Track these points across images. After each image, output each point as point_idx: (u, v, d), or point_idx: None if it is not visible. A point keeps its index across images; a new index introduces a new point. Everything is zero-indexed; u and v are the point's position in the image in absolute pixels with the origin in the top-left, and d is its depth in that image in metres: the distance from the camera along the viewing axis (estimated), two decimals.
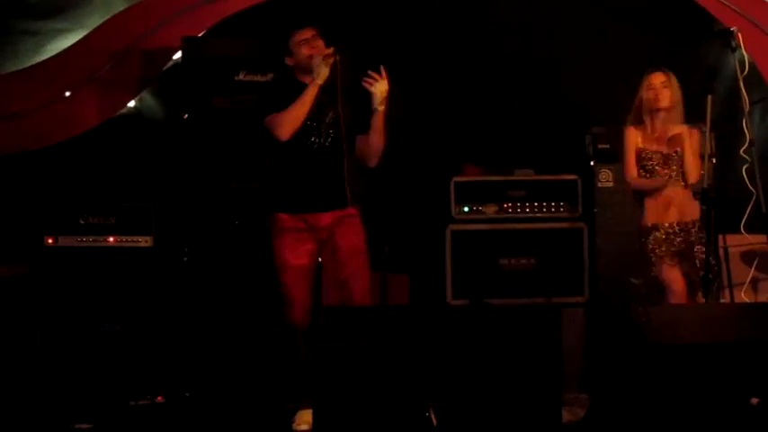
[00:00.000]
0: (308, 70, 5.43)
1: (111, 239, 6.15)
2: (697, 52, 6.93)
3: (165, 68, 6.77)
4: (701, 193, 5.69)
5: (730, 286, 6.56)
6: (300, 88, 5.40)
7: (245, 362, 5.98)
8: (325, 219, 5.45)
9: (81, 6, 6.85)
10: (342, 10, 6.99)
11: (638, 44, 6.71)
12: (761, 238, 6.26)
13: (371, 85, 5.42)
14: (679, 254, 5.80)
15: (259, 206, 5.96)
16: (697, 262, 5.72)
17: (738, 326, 4.53)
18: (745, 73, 6.17)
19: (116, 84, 6.74)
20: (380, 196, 6.03)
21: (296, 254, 5.44)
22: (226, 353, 5.98)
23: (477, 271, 6.55)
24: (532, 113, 7.15)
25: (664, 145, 5.86)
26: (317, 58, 5.40)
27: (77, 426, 5.49)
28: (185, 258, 5.99)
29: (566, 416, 5.19)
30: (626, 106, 5.94)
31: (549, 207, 6.66)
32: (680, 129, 5.89)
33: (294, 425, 5.36)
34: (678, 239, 5.81)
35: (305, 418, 5.25)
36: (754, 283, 6.55)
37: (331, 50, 5.39)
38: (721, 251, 6.50)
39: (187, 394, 5.96)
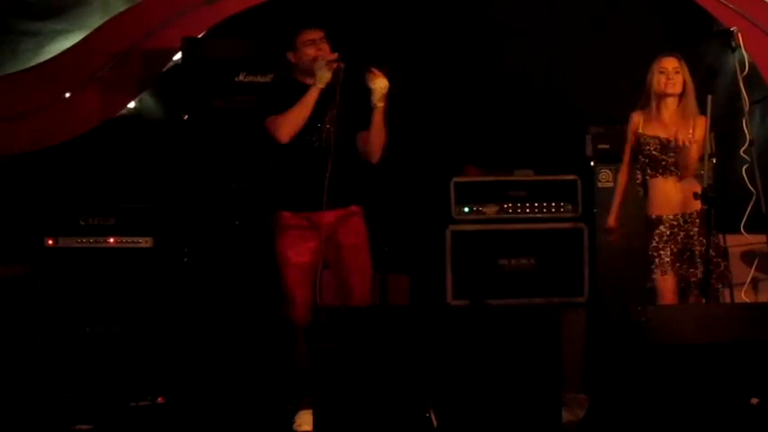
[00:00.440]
0: (309, 71, 5.44)
1: (112, 240, 6.15)
2: (697, 52, 6.92)
3: (164, 69, 6.77)
4: (701, 193, 5.69)
5: (730, 286, 6.56)
6: (300, 89, 5.41)
7: (246, 362, 5.98)
8: (328, 217, 5.46)
9: (81, 7, 6.85)
10: (343, 10, 6.99)
11: (637, 44, 6.70)
12: (761, 238, 6.26)
13: (371, 81, 5.43)
14: (680, 253, 5.79)
15: (261, 205, 5.97)
16: (699, 261, 5.69)
17: (738, 326, 4.53)
18: (745, 73, 6.18)
19: (116, 85, 6.74)
20: (380, 196, 6.02)
21: (298, 251, 5.45)
22: (226, 353, 5.98)
23: (478, 271, 6.55)
24: (532, 114, 7.14)
25: (665, 131, 5.81)
26: (320, 62, 5.41)
27: (77, 427, 5.50)
28: (185, 259, 5.99)
29: (565, 416, 5.19)
30: (625, 106, 5.92)
31: (549, 207, 6.67)
32: (693, 118, 5.77)
33: (294, 426, 5.36)
34: (681, 234, 5.78)
35: (305, 419, 5.25)
36: (755, 283, 6.54)
37: (335, 56, 5.41)
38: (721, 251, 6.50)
39: (186, 394, 5.96)
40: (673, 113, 5.78)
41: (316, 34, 5.54)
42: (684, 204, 5.78)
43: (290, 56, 5.54)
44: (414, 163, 6.85)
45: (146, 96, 6.92)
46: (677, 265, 5.77)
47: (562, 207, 6.64)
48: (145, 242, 6.17)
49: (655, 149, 5.76)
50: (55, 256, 6.08)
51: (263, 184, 6.03)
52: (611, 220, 5.93)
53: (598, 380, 5.53)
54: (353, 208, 5.54)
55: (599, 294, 6.49)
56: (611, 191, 6.29)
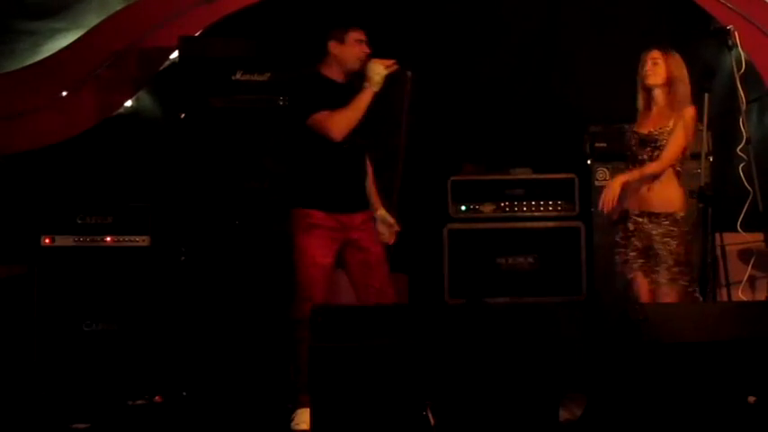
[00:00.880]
0: (350, 68, 5.57)
1: (109, 239, 6.15)
2: (694, 50, 6.92)
3: (162, 68, 6.77)
4: (697, 192, 5.69)
5: (728, 284, 6.56)
6: (330, 85, 5.53)
7: (243, 361, 5.98)
8: (357, 219, 5.57)
9: (78, 6, 6.85)
10: (340, 8, 6.99)
11: (635, 43, 6.68)
12: (758, 236, 6.26)
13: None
14: (644, 250, 5.75)
15: (260, 204, 5.97)
16: (663, 264, 5.65)
17: (735, 324, 4.53)
18: (742, 71, 6.17)
19: (113, 83, 6.74)
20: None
21: (324, 252, 5.50)
22: (223, 352, 5.98)
23: (475, 270, 6.56)
24: (530, 112, 7.15)
25: (648, 126, 5.75)
26: (377, 66, 5.52)
27: (75, 425, 5.49)
28: (182, 258, 5.99)
29: (563, 414, 5.19)
30: (623, 105, 5.92)
31: (546, 206, 6.67)
32: (679, 111, 5.72)
33: (293, 424, 5.36)
34: (643, 234, 5.75)
35: (303, 418, 5.25)
36: (752, 282, 6.55)
37: (393, 62, 5.54)
38: (718, 249, 6.50)
39: (185, 394, 5.96)
40: (662, 107, 5.75)
41: (363, 35, 5.64)
42: (650, 203, 5.74)
43: (334, 47, 5.60)
44: (412, 161, 6.85)
45: (143, 95, 6.92)
46: (641, 261, 5.76)
47: (560, 206, 6.64)
48: (142, 241, 6.17)
49: (635, 145, 5.76)
50: (52, 255, 6.08)
51: (261, 183, 6.03)
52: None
53: (596, 378, 5.53)
54: (371, 212, 5.68)
55: (596, 293, 6.50)
56: None
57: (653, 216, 5.70)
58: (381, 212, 5.75)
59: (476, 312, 4.76)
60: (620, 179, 5.63)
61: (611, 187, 5.59)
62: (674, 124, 5.65)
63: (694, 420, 4.33)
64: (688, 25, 6.98)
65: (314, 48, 5.72)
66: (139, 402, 5.97)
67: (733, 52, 6.00)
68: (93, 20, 6.81)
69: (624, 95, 5.94)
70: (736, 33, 5.99)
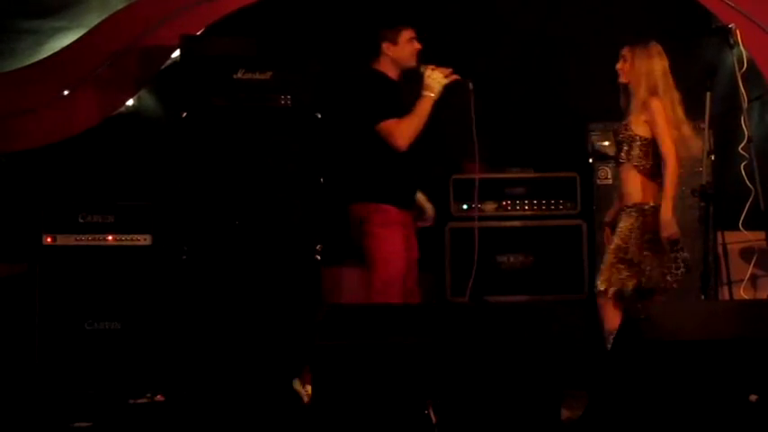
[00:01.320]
0: (405, 66, 5.81)
1: (110, 238, 6.15)
2: (695, 49, 6.93)
3: (163, 67, 6.77)
4: (699, 190, 5.68)
5: (729, 283, 6.56)
6: (395, 87, 5.78)
7: (245, 360, 5.97)
8: (411, 217, 5.88)
9: (79, 5, 6.85)
10: (340, 7, 7.00)
11: (636, 41, 6.70)
12: (759, 235, 6.26)
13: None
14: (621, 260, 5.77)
15: (259, 203, 5.98)
16: (636, 267, 5.64)
17: (737, 323, 4.53)
18: (744, 70, 6.17)
19: (115, 82, 6.73)
20: None
21: (407, 246, 5.76)
22: (225, 351, 5.98)
23: (477, 268, 6.56)
24: (531, 111, 7.15)
25: (622, 126, 5.77)
26: (437, 75, 5.75)
27: (76, 424, 5.49)
28: (184, 257, 5.99)
29: (564, 413, 5.19)
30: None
31: (548, 204, 6.68)
32: (645, 106, 5.68)
33: (296, 384, 5.45)
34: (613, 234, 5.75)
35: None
36: (753, 280, 6.55)
37: (450, 71, 5.78)
38: (720, 248, 6.51)
39: (185, 393, 5.96)
40: (629, 105, 5.75)
41: (414, 32, 5.86)
42: (620, 200, 5.76)
43: (387, 48, 5.80)
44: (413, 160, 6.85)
45: (144, 94, 6.92)
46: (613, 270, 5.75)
47: (561, 204, 6.64)
48: (143, 240, 6.17)
49: (610, 147, 5.80)
50: (53, 254, 6.08)
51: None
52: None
53: (597, 377, 5.53)
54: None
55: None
56: (609, 188, 6.30)
57: (622, 212, 5.70)
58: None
59: (477, 311, 4.76)
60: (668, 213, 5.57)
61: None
62: (642, 123, 5.63)
63: (695, 419, 4.33)
64: (689, 23, 6.98)
65: (364, 46, 5.88)
66: (141, 401, 5.96)
67: (734, 50, 5.99)
68: (94, 19, 6.81)
69: None
70: (737, 31, 5.99)
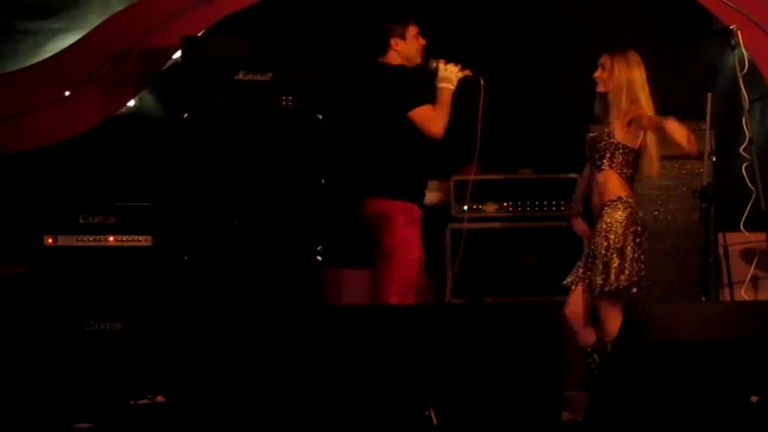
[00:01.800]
0: (413, 61, 5.88)
1: (111, 239, 6.15)
2: (696, 50, 6.93)
3: (164, 68, 6.77)
4: (700, 192, 5.69)
5: (730, 284, 6.56)
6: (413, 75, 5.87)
7: (246, 361, 5.97)
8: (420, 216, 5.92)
9: (80, 6, 6.85)
10: (341, 7, 7.01)
11: (637, 42, 6.69)
12: (760, 236, 6.26)
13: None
14: (585, 264, 5.78)
15: (259, 203, 5.98)
16: (600, 266, 5.64)
17: (738, 324, 4.53)
18: (745, 71, 6.18)
19: (116, 83, 6.73)
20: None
21: (420, 248, 5.83)
22: (226, 352, 5.97)
23: (477, 270, 6.55)
24: (532, 113, 7.14)
25: (603, 134, 5.78)
26: (453, 68, 5.87)
27: (77, 425, 5.49)
28: (185, 257, 5.99)
29: (565, 414, 5.19)
30: None
31: (549, 206, 6.67)
32: (627, 114, 5.68)
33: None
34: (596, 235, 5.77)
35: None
36: (754, 282, 6.55)
37: (460, 66, 5.91)
38: (721, 249, 6.51)
39: (185, 394, 5.96)
40: (616, 113, 5.74)
41: (418, 29, 5.95)
42: (594, 203, 5.78)
43: (396, 44, 5.88)
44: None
45: (145, 95, 6.92)
46: (582, 270, 5.77)
47: (562, 206, 6.64)
48: (145, 241, 6.17)
49: (589, 150, 5.82)
50: (55, 255, 6.08)
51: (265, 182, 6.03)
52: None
53: (598, 378, 5.53)
54: None
55: None
56: None
57: (596, 212, 5.72)
58: None
59: (478, 312, 4.76)
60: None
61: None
62: (625, 132, 5.63)
63: (697, 420, 4.33)
64: (690, 25, 6.98)
65: (367, 44, 5.91)
66: (142, 402, 5.96)
67: (735, 52, 6.00)
68: (95, 20, 6.81)
69: None
70: (738, 33, 6.00)
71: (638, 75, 5.67)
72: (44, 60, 6.75)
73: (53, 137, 6.66)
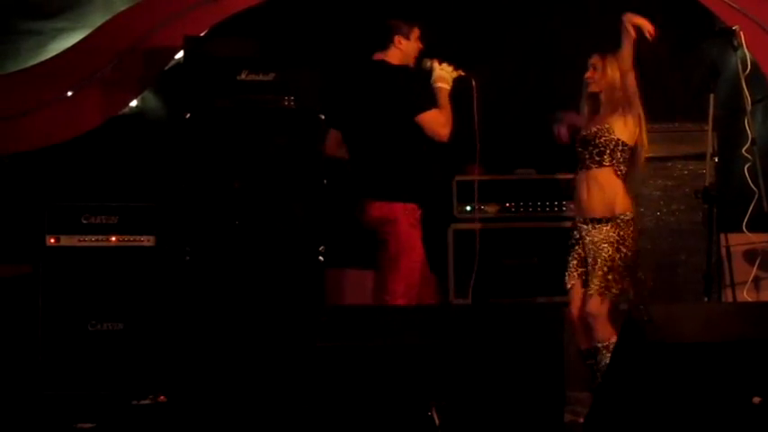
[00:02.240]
0: (409, 63, 5.87)
1: (114, 239, 6.15)
2: (699, 51, 6.92)
3: (167, 68, 6.77)
4: (702, 192, 5.69)
5: (732, 285, 6.55)
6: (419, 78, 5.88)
7: (249, 361, 5.97)
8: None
9: (83, 6, 6.85)
10: (343, 8, 7.01)
11: (639, 43, 6.69)
12: (763, 236, 6.26)
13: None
14: (584, 260, 5.80)
15: (261, 204, 5.98)
16: (604, 267, 5.66)
17: (740, 325, 4.53)
18: (747, 72, 6.18)
19: (118, 83, 6.74)
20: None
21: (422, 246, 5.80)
22: (228, 352, 5.97)
23: (480, 270, 6.55)
24: (534, 113, 7.14)
25: (591, 127, 5.79)
26: (448, 67, 5.88)
27: (79, 425, 5.49)
28: (187, 258, 5.99)
29: (567, 415, 5.19)
30: None
31: (551, 206, 6.67)
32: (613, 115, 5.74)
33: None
34: (587, 239, 5.78)
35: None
36: (757, 282, 6.54)
37: (457, 68, 5.92)
38: (723, 250, 6.50)
39: (189, 394, 5.96)
40: (605, 109, 5.77)
41: (419, 33, 5.95)
42: (591, 209, 5.77)
43: (399, 42, 5.88)
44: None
45: (148, 95, 6.93)
46: (581, 270, 5.80)
47: (564, 206, 6.64)
48: (147, 241, 6.18)
49: (579, 147, 5.84)
50: (57, 255, 6.08)
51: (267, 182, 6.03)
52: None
53: (600, 379, 5.53)
54: None
55: None
56: None
57: (594, 222, 5.73)
58: None
59: (480, 312, 4.76)
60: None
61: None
62: (624, 129, 5.66)
63: (698, 421, 4.33)
64: (693, 25, 6.98)
65: (371, 38, 5.95)
66: (144, 402, 5.97)
67: (738, 53, 6.00)
68: (97, 20, 6.81)
69: None
70: (741, 33, 6.00)
71: (632, 74, 5.70)
72: (46, 60, 6.76)
73: (55, 137, 6.67)
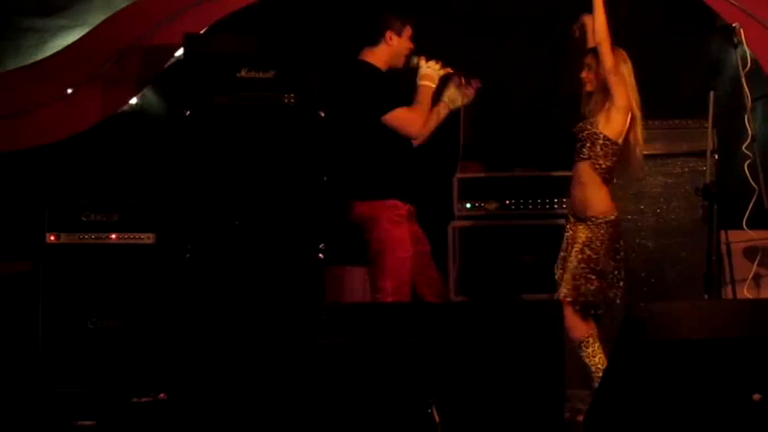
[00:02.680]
0: (396, 62, 5.86)
1: (114, 236, 6.15)
2: (699, 48, 6.92)
3: (167, 65, 6.78)
4: (703, 189, 5.68)
5: (733, 282, 6.55)
6: (392, 78, 5.84)
7: (248, 359, 5.98)
8: (413, 209, 5.85)
9: (83, 4, 6.86)
10: (343, 5, 7.00)
11: (639, 40, 6.70)
12: (763, 233, 6.26)
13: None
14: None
15: (260, 201, 5.98)
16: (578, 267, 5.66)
17: (741, 322, 4.53)
18: (748, 69, 6.17)
19: (118, 81, 6.74)
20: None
21: (412, 242, 5.79)
22: (228, 350, 5.98)
23: (480, 267, 6.56)
24: (535, 110, 7.14)
25: (586, 123, 5.80)
26: (434, 65, 5.86)
27: (80, 423, 5.50)
28: (187, 255, 5.99)
29: (567, 413, 5.19)
30: None
31: (551, 203, 6.67)
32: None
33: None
34: (570, 238, 5.80)
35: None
36: (757, 280, 6.54)
37: (441, 63, 5.88)
38: (723, 247, 6.50)
39: (189, 391, 5.97)
40: (600, 107, 5.77)
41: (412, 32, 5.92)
42: (576, 207, 5.78)
43: (391, 37, 5.85)
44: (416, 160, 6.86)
45: (148, 92, 6.93)
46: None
47: (564, 203, 6.64)
48: (147, 238, 6.18)
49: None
50: (57, 253, 6.08)
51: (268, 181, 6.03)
52: None
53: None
54: None
55: None
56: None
57: (574, 218, 5.74)
58: None
59: (480, 309, 4.76)
60: None
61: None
62: (608, 123, 5.66)
63: (698, 418, 4.33)
64: (693, 22, 6.97)
65: (360, 33, 5.96)
66: (144, 400, 5.97)
67: (738, 50, 6.00)
68: (98, 17, 6.82)
69: None
70: (741, 31, 5.99)
71: (625, 70, 5.69)
72: (47, 58, 6.76)
73: (56, 135, 6.67)
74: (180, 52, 6.51)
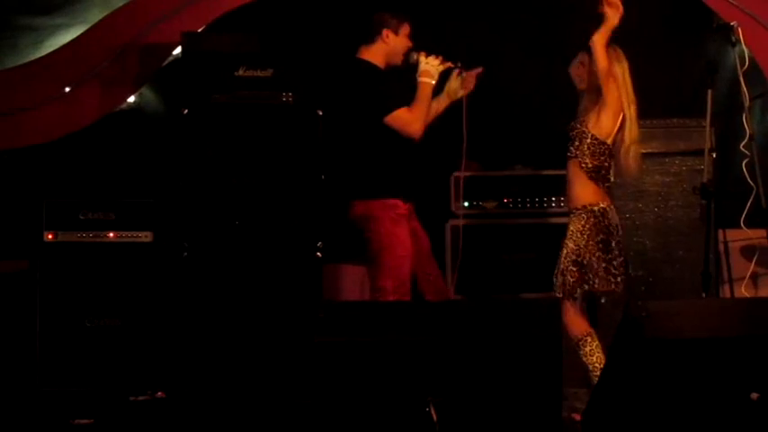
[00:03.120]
0: (393, 61, 5.86)
1: (111, 235, 6.14)
2: (697, 47, 6.92)
3: (164, 64, 6.77)
4: (700, 188, 5.69)
5: (730, 281, 6.56)
6: (392, 76, 5.82)
7: (246, 358, 5.97)
8: (412, 207, 5.86)
9: (81, 2, 6.85)
10: (342, 4, 7.00)
11: (637, 39, 6.70)
12: (761, 232, 6.25)
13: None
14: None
15: (261, 200, 5.98)
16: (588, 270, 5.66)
17: (738, 321, 4.53)
18: (746, 68, 6.17)
19: (116, 79, 6.73)
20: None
21: (412, 241, 5.80)
22: (225, 348, 5.98)
23: (478, 266, 6.56)
24: (532, 109, 7.14)
25: (577, 121, 5.82)
26: (433, 61, 5.84)
27: (77, 421, 5.49)
28: (185, 253, 5.99)
29: (564, 412, 5.19)
30: None
31: (548, 202, 6.68)
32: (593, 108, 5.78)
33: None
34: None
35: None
36: (754, 278, 6.55)
37: (441, 58, 5.87)
38: (721, 246, 6.51)
39: (186, 390, 5.96)
40: (584, 105, 5.80)
41: (409, 30, 5.92)
42: (569, 201, 5.81)
43: (388, 36, 5.86)
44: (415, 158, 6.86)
45: (146, 91, 6.93)
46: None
47: (562, 202, 6.65)
48: (145, 237, 6.17)
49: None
50: (55, 251, 6.07)
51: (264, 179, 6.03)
52: None
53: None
54: None
55: None
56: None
57: (571, 215, 5.77)
58: None
59: (478, 308, 4.76)
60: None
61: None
62: (596, 123, 5.68)
63: (696, 417, 4.33)
64: (691, 21, 6.97)
65: (358, 32, 5.95)
66: (142, 398, 5.96)
67: (736, 49, 5.99)
68: (95, 15, 6.81)
69: None
70: (739, 29, 5.99)
71: (619, 69, 5.69)
72: (44, 56, 6.75)
73: (53, 133, 6.66)
74: (178, 50, 6.51)
